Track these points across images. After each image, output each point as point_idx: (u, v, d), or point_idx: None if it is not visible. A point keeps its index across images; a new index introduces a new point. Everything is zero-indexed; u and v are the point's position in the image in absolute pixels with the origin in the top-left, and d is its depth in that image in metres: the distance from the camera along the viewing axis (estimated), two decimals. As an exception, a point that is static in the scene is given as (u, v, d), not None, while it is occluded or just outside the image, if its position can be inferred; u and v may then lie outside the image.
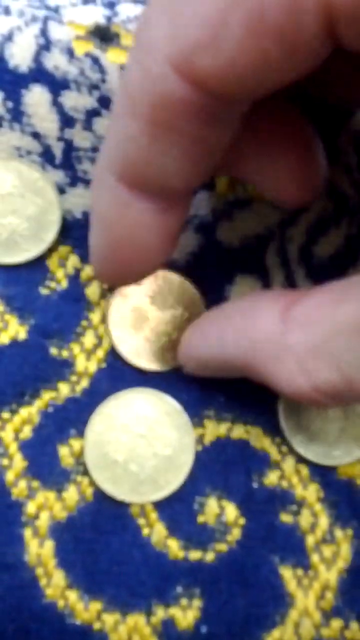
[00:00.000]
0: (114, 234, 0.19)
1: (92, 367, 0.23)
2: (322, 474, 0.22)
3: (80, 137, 0.23)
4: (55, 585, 0.21)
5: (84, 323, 0.23)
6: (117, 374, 0.23)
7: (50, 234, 0.23)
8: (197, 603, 0.21)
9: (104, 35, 0.23)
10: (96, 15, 0.24)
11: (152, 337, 0.23)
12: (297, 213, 0.24)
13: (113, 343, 0.22)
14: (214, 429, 0.23)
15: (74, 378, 0.22)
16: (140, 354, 0.22)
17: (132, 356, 0.22)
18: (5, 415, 0.22)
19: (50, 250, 0.23)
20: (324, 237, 0.23)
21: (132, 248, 0.19)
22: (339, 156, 0.24)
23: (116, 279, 0.21)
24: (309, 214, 0.24)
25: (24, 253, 0.22)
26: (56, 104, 0.23)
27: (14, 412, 0.22)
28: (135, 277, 0.21)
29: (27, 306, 0.23)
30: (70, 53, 0.23)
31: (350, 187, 0.24)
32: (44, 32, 0.23)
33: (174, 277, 0.23)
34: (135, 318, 0.23)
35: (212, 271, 0.23)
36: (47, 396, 0.22)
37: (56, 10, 0.23)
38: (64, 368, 0.22)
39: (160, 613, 0.21)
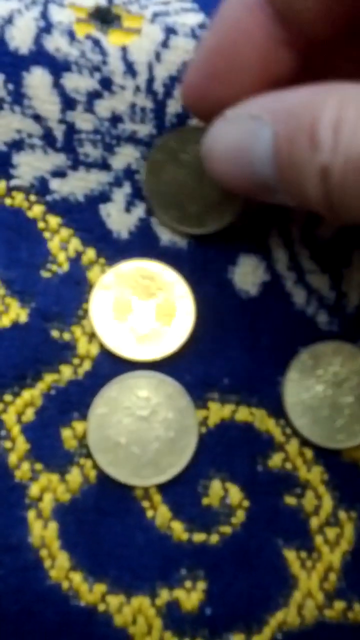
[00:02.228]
0: (229, 34, 0.19)
1: (94, 349, 0.22)
2: (327, 457, 0.22)
3: (81, 120, 0.23)
4: (60, 567, 0.21)
5: (85, 306, 0.23)
6: (120, 357, 0.22)
7: None
8: (201, 585, 0.21)
9: (104, 17, 0.23)
10: (96, -3, 0.24)
11: (136, 327, 0.22)
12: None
13: (97, 335, 0.22)
14: (218, 411, 0.22)
15: (76, 361, 0.22)
16: (125, 344, 0.22)
17: (117, 348, 0.22)
18: (8, 397, 0.22)
19: (52, 232, 0.23)
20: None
21: (236, 58, 0.19)
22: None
23: (204, 93, 0.20)
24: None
25: None
26: (57, 86, 0.23)
27: (16, 394, 0.22)
28: (221, 94, 0.20)
29: (27, 289, 0.22)
30: (71, 35, 0.23)
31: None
32: (44, 15, 0.23)
33: (155, 266, 0.23)
34: (118, 310, 0.22)
35: (214, 252, 0.23)
36: (49, 379, 0.22)
37: (56, -8, 0.23)
38: (65, 351, 0.22)
39: (164, 595, 0.21)
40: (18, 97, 0.23)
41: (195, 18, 0.24)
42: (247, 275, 0.23)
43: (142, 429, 0.22)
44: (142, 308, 0.23)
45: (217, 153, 0.20)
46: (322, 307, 0.23)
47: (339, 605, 0.22)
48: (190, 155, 0.23)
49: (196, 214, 0.23)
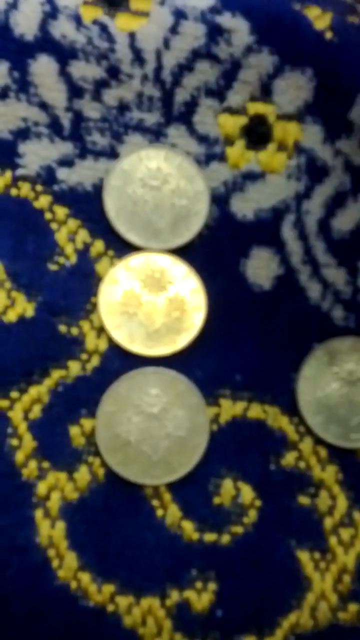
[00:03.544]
0: None
1: (103, 345, 0.22)
2: (341, 456, 0.22)
3: (89, 108, 0.22)
4: (68, 567, 0.20)
5: (94, 300, 0.22)
6: (129, 352, 0.22)
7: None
8: (212, 586, 0.21)
9: None
10: (104, -20, 0.23)
11: (145, 322, 0.22)
12: (313, 186, 0.23)
13: (106, 330, 0.22)
14: (230, 409, 0.22)
15: (84, 356, 0.22)
16: (134, 339, 0.22)
17: (126, 342, 0.22)
18: (14, 394, 0.21)
19: (60, 223, 0.22)
20: (342, 210, 0.23)
21: None
22: (352, 129, 0.23)
23: None
24: (325, 187, 0.23)
25: None
26: (64, 74, 0.22)
27: (22, 391, 0.21)
28: None
29: (34, 283, 0.22)
30: (77, 20, 0.22)
31: (368, 157, 0.23)
32: (50, -1, 0.22)
33: (166, 259, 0.22)
34: (127, 304, 0.22)
35: (226, 245, 0.23)
36: (56, 375, 0.22)
37: (63, -25, 0.22)
38: (73, 346, 0.22)
39: (174, 596, 0.21)
40: (24, 85, 0.22)
41: (206, 1, 0.23)
42: (260, 268, 0.23)
43: (152, 427, 0.21)
44: (152, 302, 0.22)
45: None
46: (338, 302, 0.22)
47: (353, 607, 0.21)
48: (146, 174, 0.22)
49: (169, 227, 0.22)
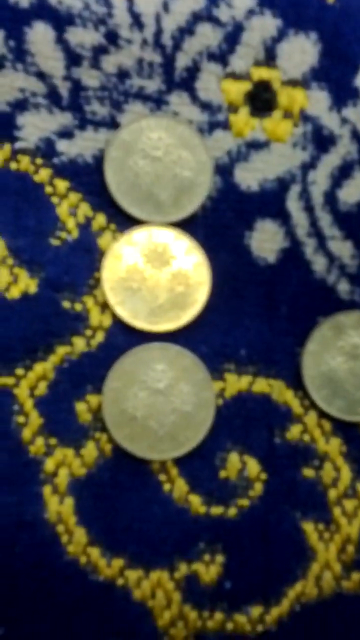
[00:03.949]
0: None
1: (107, 320, 0.22)
2: (345, 429, 0.22)
3: (87, 76, 0.22)
4: (77, 543, 0.21)
5: (97, 275, 0.22)
6: (134, 328, 0.22)
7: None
8: (219, 559, 0.21)
9: None
10: None
11: (149, 297, 0.22)
12: (319, 156, 0.22)
13: (110, 306, 0.21)
14: (235, 383, 0.22)
15: (88, 332, 0.22)
16: (138, 314, 0.21)
17: (130, 318, 0.21)
18: (19, 371, 0.21)
19: (60, 197, 0.22)
20: (349, 181, 0.22)
21: None
22: (359, 97, 0.22)
23: None
24: (332, 157, 0.22)
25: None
26: (61, 41, 0.21)
27: (27, 368, 0.21)
28: None
29: (36, 258, 0.22)
30: (74, -16, 0.21)
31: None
32: None
33: (169, 233, 0.22)
34: (130, 279, 0.22)
35: (230, 216, 0.22)
36: (61, 351, 0.21)
37: None
38: (77, 322, 0.22)
39: (183, 569, 0.21)
40: (20, 54, 0.21)
41: None
42: (265, 241, 0.22)
43: (158, 403, 0.21)
44: (156, 277, 0.22)
45: None
46: (344, 276, 0.22)
47: (357, 576, 0.21)
48: (148, 145, 0.21)
49: (171, 200, 0.22)
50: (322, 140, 0.22)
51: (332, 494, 0.22)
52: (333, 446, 0.22)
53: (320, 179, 0.22)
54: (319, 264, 0.22)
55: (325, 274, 0.22)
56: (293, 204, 0.22)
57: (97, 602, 0.20)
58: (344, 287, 0.22)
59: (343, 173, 0.22)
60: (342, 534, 0.22)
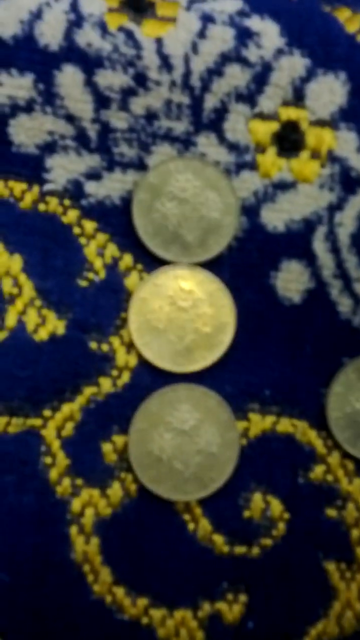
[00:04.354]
0: None
1: (133, 360, 0.22)
2: (368, 468, 0.22)
3: (116, 118, 0.22)
4: (103, 582, 0.21)
5: (124, 315, 0.22)
6: (159, 369, 0.22)
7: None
8: (242, 598, 0.21)
9: (138, 5, 0.22)
10: (130, -19, 0.22)
11: (175, 339, 0.22)
12: (346, 197, 0.22)
13: (136, 346, 0.22)
14: (259, 423, 0.22)
15: (114, 372, 0.22)
16: (163, 355, 0.22)
17: (157, 360, 0.22)
18: (47, 412, 0.22)
19: (88, 238, 0.22)
20: (376, 224, 0.22)
21: None
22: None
23: None
24: (359, 199, 0.22)
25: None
26: (90, 84, 0.21)
27: (55, 409, 0.22)
28: None
29: (64, 299, 0.22)
30: (103, 28, 0.21)
31: None
32: (74, 7, 0.21)
33: (195, 273, 0.22)
34: (156, 319, 0.22)
35: (255, 256, 0.22)
36: (88, 392, 0.22)
37: (87, -21, 0.21)
38: (104, 362, 0.22)
39: (206, 608, 0.21)
40: (49, 97, 0.21)
41: (233, 5, 0.22)
42: (290, 282, 0.22)
43: (183, 444, 0.22)
44: (182, 318, 0.22)
45: None
46: (369, 318, 0.22)
47: (378, 615, 0.22)
48: (175, 187, 0.21)
49: (197, 241, 0.22)
50: (349, 182, 0.22)
51: (355, 533, 0.22)
52: (356, 486, 0.22)
53: (346, 220, 0.22)
54: (344, 305, 0.22)
55: (351, 315, 0.22)
56: (319, 245, 0.22)
57: (123, 641, 0.21)
58: (369, 331, 0.22)
59: (370, 216, 0.22)
60: (363, 574, 0.22)
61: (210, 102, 0.22)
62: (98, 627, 0.21)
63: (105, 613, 0.21)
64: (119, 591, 0.21)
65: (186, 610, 0.21)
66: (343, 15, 0.22)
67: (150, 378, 0.22)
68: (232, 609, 0.21)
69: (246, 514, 0.22)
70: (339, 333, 0.22)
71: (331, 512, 0.22)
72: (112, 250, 0.22)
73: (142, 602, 0.21)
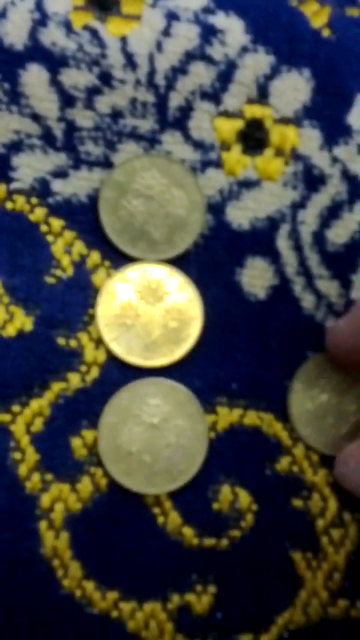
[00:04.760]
0: None
1: (102, 356, 0.22)
2: (331, 460, 0.22)
3: (81, 117, 0.22)
4: (72, 577, 0.21)
5: (91, 311, 0.22)
6: (128, 363, 0.22)
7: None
8: (211, 589, 0.22)
9: (103, 2, 0.22)
10: (95, -20, 0.22)
11: (143, 333, 0.22)
12: (309, 195, 0.23)
13: (104, 342, 0.22)
14: (227, 416, 0.22)
15: (83, 368, 0.22)
16: (132, 350, 0.22)
17: (125, 355, 0.22)
18: (16, 408, 0.22)
19: (55, 236, 0.22)
20: (338, 221, 0.23)
21: None
22: (350, 134, 0.23)
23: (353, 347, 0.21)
24: (322, 196, 0.23)
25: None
26: (55, 83, 0.22)
27: (23, 404, 0.22)
28: None
29: (32, 296, 0.22)
30: (67, 27, 0.21)
31: (365, 168, 0.23)
32: (39, 6, 0.21)
33: (162, 270, 0.22)
34: (124, 315, 0.22)
35: (221, 253, 0.23)
36: (56, 387, 0.22)
37: (52, -22, 0.22)
38: (72, 358, 0.22)
39: (175, 600, 0.22)
40: (15, 97, 0.21)
41: (199, 1, 0.22)
42: (255, 278, 0.23)
43: (153, 437, 0.22)
44: (150, 313, 0.22)
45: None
46: (331, 314, 0.23)
47: (342, 603, 0.22)
48: (141, 184, 0.22)
49: (164, 238, 0.22)
50: (312, 180, 0.23)
51: (320, 523, 0.22)
52: (320, 477, 0.23)
53: (309, 218, 0.23)
54: (307, 301, 0.23)
55: (314, 310, 0.23)
56: (283, 243, 0.23)
57: (93, 634, 0.21)
58: (332, 325, 0.23)
59: (332, 213, 0.23)
60: (329, 562, 0.22)
61: (175, 100, 0.22)
62: (68, 622, 0.21)
63: (75, 607, 0.21)
64: (89, 585, 0.21)
65: (156, 602, 0.22)
66: (310, 8, 0.23)
67: (119, 373, 0.22)
68: (201, 600, 0.22)
69: (215, 506, 0.22)
70: (303, 328, 0.23)
71: (297, 503, 0.22)
72: (79, 247, 0.22)
73: (112, 595, 0.21)
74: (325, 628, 0.22)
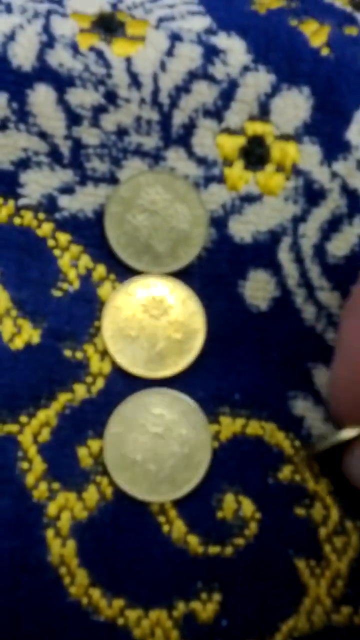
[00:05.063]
0: None
1: (107, 367, 0.23)
2: (333, 468, 0.23)
3: (87, 135, 0.23)
4: (79, 584, 0.22)
5: (97, 324, 0.23)
6: (133, 375, 0.23)
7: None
8: (216, 597, 0.22)
9: (108, 25, 0.22)
10: (101, 2, 0.23)
11: (147, 345, 0.23)
12: (310, 209, 0.23)
13: (110, 353, 0.22)
14: (230, 426, 0.23)
15: (89, 379, 0.23)
16: (136, 362, 0.22)
17: (130, 366, 0.22)
18: (23, 419, 0.22)
19: (62, 250, 0.23)
20: (337, 234, 0.23)
21: None
22: (349, 150, 0.23)
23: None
24: (322, 210, 0.23)
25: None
26: (62, 102, 0.22)
27: (31, 415, 0.22)
28: None
29: (39, 309, 0.23)
30: (74, 48, 0.22)
31: (363, 182, 0.23)
32: (46, 29, 0.22)
33: (166, 283, 0.23)
34: (129, 327, 0.23)
35: (224, 266, 0.23)
36: (63, 398, 0.22)
37: (59, 1, 0.22)
38: (78, 370, 0.23)
39: (181, 607, 0.22)
40: (23, 116, 0.22)
41: (201, 22, 0.23)
42: (257, 290, 0.23)
43: (157, 446, 0.22)
44: (154, 325, 0.23)
45: None
46: (331, 325, 0.23)
47: (346, 610, 0.23)
48: (146, 199, 0.22)
49: (168, 251, 0.23)
50: (312, 194, 0.23)
51: (323, 531, 0.23)
52: (322, 485, 0.23)
53: (310, 232, 0.23)
54: (308, 312, 0.23)
55: (315, 322, 0.23)
56: (284, 256, 0.23)
57: (100, 641, 0.21)
58: (330, 336, 0.23)
59: (332, 227, 0.23)
60: (332, 570, 0.23)
61: (179, 118, 0.23)
62: (74, 629, 0.21)
63: (82, 615, 0.21)
64: (95, 593, 0.22)
65: (161, 610, 0.22)
66: (309, 28, 0.23)
67: (124, 384, 0.23)
68: (206, 608, 0.22)
69: (219, 514, 0.22)
70: (304, 339, 0.23)
71: (300, 511, 0.23)
72: (85, 261, 0.23)
73: (118, 603, 0.22)
74: (329, 635, 0.22)
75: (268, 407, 0.23)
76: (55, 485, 0.22)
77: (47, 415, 0.22)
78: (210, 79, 0.23)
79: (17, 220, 0.23)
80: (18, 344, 0.22)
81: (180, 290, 0.23)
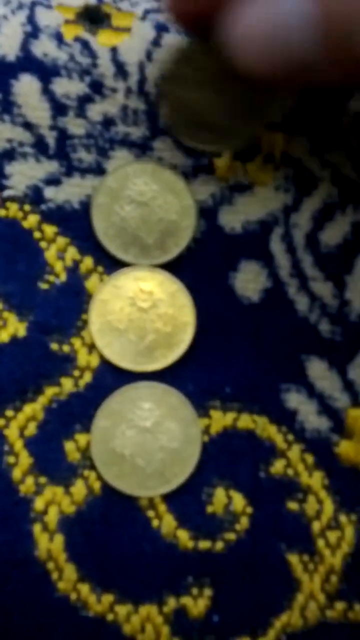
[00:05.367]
0: None
1: (95, 361, 0.22)
2: (326, 462, 0.22)
3: (73, 125, 0.22)
4: (67, 579, 0.21)
5: (84, 317, 0.22)
6: (121, 368, 0.22)
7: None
8: (207, 592, 0.22)
9: (93, 16, 0.22)
10: (85, -7, 0.22)
11: (135, 339, 0.22)
12: (301, 198, 0.23)
13: (97, 347, 0.22)
14: (220, 419, 0.23)
15: (76, 373, 0.22)
16: (125, 355, 0.22)
17: (118, 360, 0.22)
18: (9, 413, 0.22)
19: (49, 242, 0.23)
20: (330, 223, 0.23)
21: None
22: (341, 139, 0.23)
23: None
24: (314, 199, 0.23)
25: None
26: (47, 92, 0.22)
27: (17, 409, 0.22)
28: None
29: (25, 302, 0.22)
30: (59, 38, 0.22)
31: (353, 170, 0.23)
32: (30, 19, 0.22)
33: (155, 275, 0.22)
34: (117, 320, 0.22)
35: (215, 258, 0.23)
36: (50, 392, 0.22)
37: (43, -9, 0.22)
38: (65, 363, 0.22)
39: (171, 603, 0.22)
40: (7, 106, 0.22)
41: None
42: (249, 281, 0.23)
43: (146, 441, 0.22)
44: (142, 318, 0.22)
45: (246, 39, 0.17)
46: (325, 315, 0.23)
47: (340, 605, 0.22)
48: (133, 190, 0.22)
49: (157, 243, 0.22)
50: (304, 183, 0.23)
51: (316, 526, 0.22)
52: (315, 479, 0.22)
53: (302, 221, 0.23)
54: (301, 303, 0.23)
55: (308, 313, 0.23)
56: (276, 246, 0.23)
57: (88, 638, 0.21)
58: (324, 327, 0.23)
59: (324, 216, 0.23)
60: (325, 565, 0.22)
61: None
62: (63, 625, 0.21)
63: (70, 610, 0.21)
64: (84, 588, 0.21)
65: (151, 605, 0.21)
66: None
67: (112, 377, 0.22)
68: (197, 603, 0.22)
69: (209, 509, 0.22)
70: (297, 330, 0.23)
71: (292, 505, 0.22)
72: (72, 253, 0.23)
73: (107, 598, 0.21)
74: (323, 631, 0.22)
75: (260, 401, 0.23)
76: (42, 480, 0.22)
77: (34, 409, 0.22)
78: (198, 68, 0.23)
79: (2, 212, 0.22)
80: (4, 337, 0.22)
81: (170, 283, 0.23)
